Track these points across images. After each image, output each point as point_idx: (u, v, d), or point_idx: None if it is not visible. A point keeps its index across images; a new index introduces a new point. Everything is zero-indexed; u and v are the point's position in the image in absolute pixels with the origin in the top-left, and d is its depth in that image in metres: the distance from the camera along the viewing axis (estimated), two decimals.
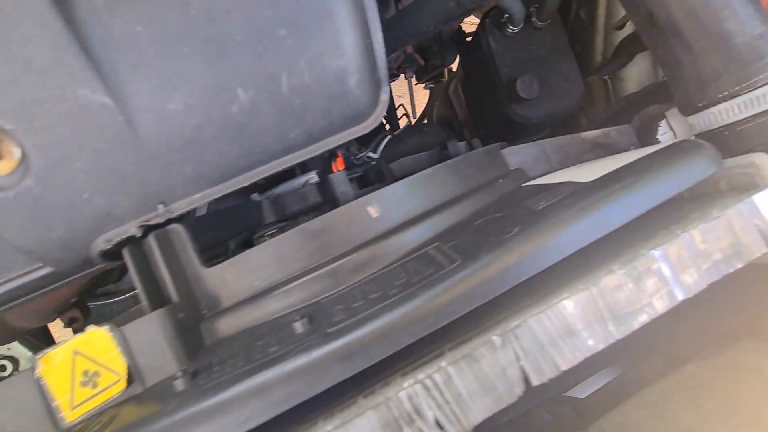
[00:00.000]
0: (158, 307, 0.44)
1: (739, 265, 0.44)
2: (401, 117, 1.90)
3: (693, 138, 0.47)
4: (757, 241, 0.44)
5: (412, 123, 1.89)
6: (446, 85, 1.57)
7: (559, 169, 0.66)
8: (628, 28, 1.13)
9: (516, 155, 0.66)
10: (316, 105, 0.45)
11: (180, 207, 0.45)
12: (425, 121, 1.92)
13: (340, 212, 0.47)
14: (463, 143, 1.02)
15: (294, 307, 0.47)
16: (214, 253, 0.73)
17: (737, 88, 0.50)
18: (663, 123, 0.81)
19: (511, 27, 1.03)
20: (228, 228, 0.63)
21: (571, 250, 0.41)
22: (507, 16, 1.01)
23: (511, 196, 0.51)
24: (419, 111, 2.05)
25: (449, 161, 0.55)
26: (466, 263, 0.39)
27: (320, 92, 0.45)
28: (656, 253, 0.42)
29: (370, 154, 0.77)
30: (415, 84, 1.83)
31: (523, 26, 1.05)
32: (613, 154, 0.71)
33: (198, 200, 0.45)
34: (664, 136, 0.80)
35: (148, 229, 0.46)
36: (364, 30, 0.44)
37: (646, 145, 0.83)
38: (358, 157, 0.75)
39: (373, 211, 0.47)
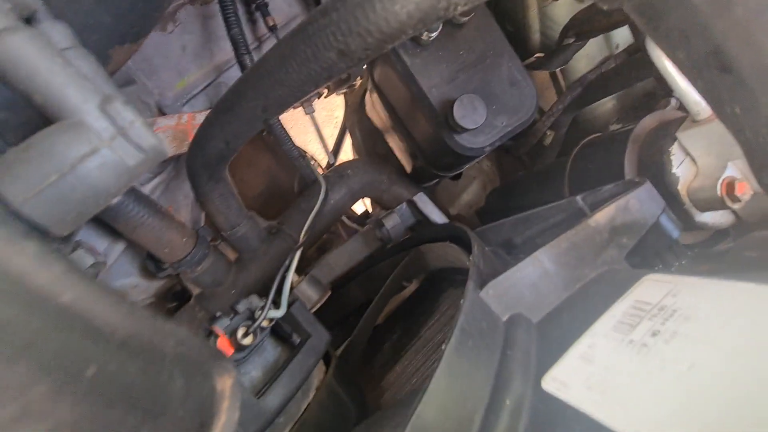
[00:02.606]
0: None
1: None
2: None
3: None
4: None
5: (333, 157, 1.58)
6: (361, 100, 1.27)
7: (574, 292, 0.40)
8: None
9: (506, 295, 0.39)
10: None
11: None
12: (347, 131, 1.62)
13: None
14: (403, 207, 0.74)
15: None
16: None
17: None
18: (675, 149, 0.57)
19: (427, 33, 0.74)
20: None
21: None
22: None
23: None
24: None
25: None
26: None
27: None
28: None
29: (273, 315, 0.48)
30: (325, 97, 1.51)
31: (442, 26, 0.77)
32: (638, 232, 0.46)
33: None
34: (681, 167, 0.57)
35: None
36: None
37: (657, 186, 0.59)
38: (253, 328, 0.45)
39: None
